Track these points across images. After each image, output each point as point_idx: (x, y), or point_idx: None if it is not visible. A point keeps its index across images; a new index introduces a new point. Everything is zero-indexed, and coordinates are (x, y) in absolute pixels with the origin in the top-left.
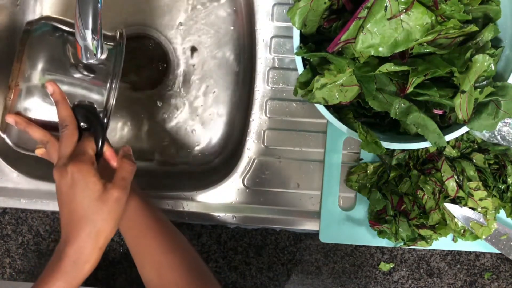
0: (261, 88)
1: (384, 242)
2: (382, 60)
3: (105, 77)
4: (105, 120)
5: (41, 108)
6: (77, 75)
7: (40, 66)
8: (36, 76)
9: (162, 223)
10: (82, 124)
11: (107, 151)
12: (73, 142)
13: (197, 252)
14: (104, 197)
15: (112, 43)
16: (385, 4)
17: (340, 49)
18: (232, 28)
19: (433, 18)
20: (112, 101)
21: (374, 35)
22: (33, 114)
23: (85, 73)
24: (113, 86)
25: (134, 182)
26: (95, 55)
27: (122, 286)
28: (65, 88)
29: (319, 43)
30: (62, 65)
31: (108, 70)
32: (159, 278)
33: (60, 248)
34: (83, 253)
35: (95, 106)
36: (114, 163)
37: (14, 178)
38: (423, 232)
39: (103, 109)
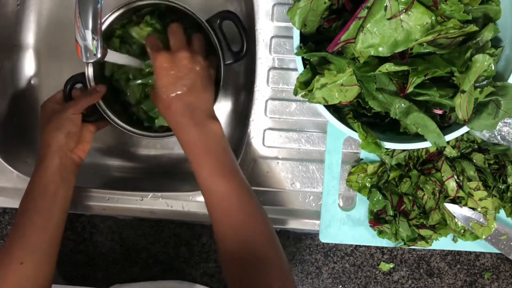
0: (261, 88)
1: (384, 242)
2: (382, 60)
3: None
4: None
5: None
6: None
7: None
8: None
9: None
10: None
11: None
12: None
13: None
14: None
15: None
16: (385, 4)
17: (340, 49)
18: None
19: (433, 18)
20: None
21: (374, 35)
22: None
23: None
24: None
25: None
26: (95, 55)
27: None
28: None
29: (319, 43)
30: None
31: None
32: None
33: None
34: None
35: None
36: None
37: (14, 178)
38: (423, 232)
39: None
